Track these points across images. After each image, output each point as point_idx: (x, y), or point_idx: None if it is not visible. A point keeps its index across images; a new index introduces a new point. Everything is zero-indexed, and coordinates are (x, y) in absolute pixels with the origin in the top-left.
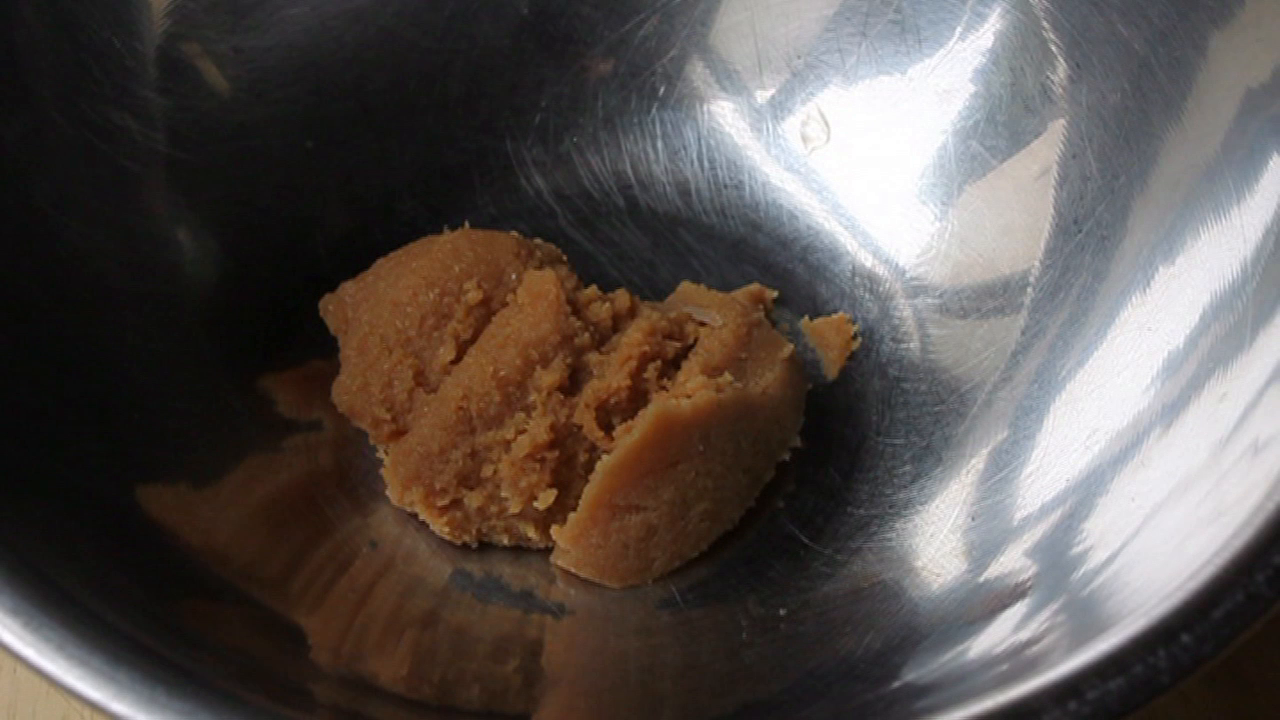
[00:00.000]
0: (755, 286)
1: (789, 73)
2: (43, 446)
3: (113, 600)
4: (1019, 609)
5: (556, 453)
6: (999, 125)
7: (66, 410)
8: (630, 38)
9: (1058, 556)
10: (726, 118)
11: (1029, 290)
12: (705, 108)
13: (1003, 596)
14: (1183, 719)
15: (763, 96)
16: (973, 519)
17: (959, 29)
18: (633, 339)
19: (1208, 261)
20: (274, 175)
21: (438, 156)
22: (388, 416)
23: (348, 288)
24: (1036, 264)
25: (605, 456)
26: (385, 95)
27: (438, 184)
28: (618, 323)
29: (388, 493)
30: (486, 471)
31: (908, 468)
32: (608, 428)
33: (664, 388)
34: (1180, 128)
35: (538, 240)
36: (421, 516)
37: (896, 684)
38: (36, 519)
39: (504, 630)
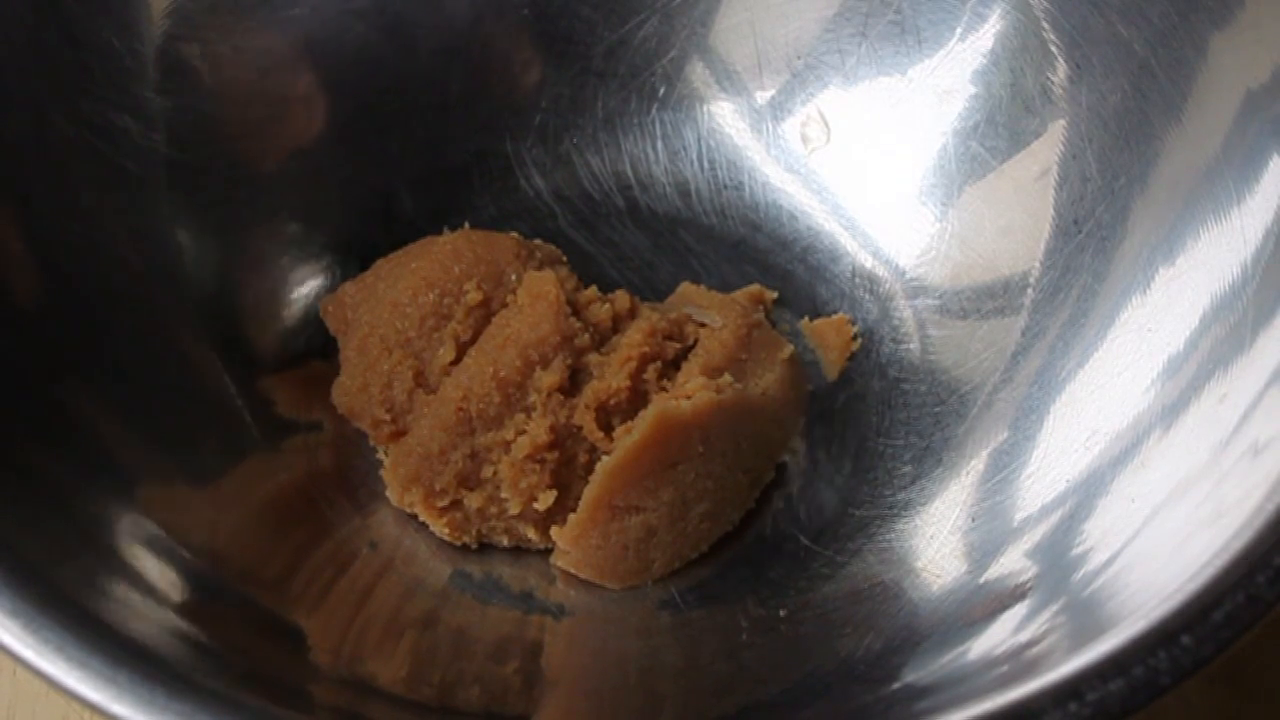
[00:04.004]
0: (755, 287)
1: (789, 73)
2: (42, 446)
3: (112, 601)
4: (1019, 610)
5: (556, 454)
6: (999, 126)
7: (66, 410)
8: (630, 38)
9: (1058, 558)
10: (726, 118)
11: (1029, 291)
12: (705, 108)
13: (1003, 598)
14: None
15: (763, 97)
16: (973, 520)
17: (959, 30)
18: (632, 340)
19: (1208, 262)
20: (273, 175)
21: (438, 156)
22: (387, 417)
23: (347, 288)
24: (1036, 265)
25: (605, 457)
26: (385, 95)
27: (438, 184)
28: (617, 324)
29: (387, 494)
30: (486, 472)
31: (908, 469)
32: (608, 429)
33: (664, 389)
34: (1180, 128)
35: (538, 241)
36: (421, 517)
37: (897, 685)
38: (36, 519)
39: (504, 631)
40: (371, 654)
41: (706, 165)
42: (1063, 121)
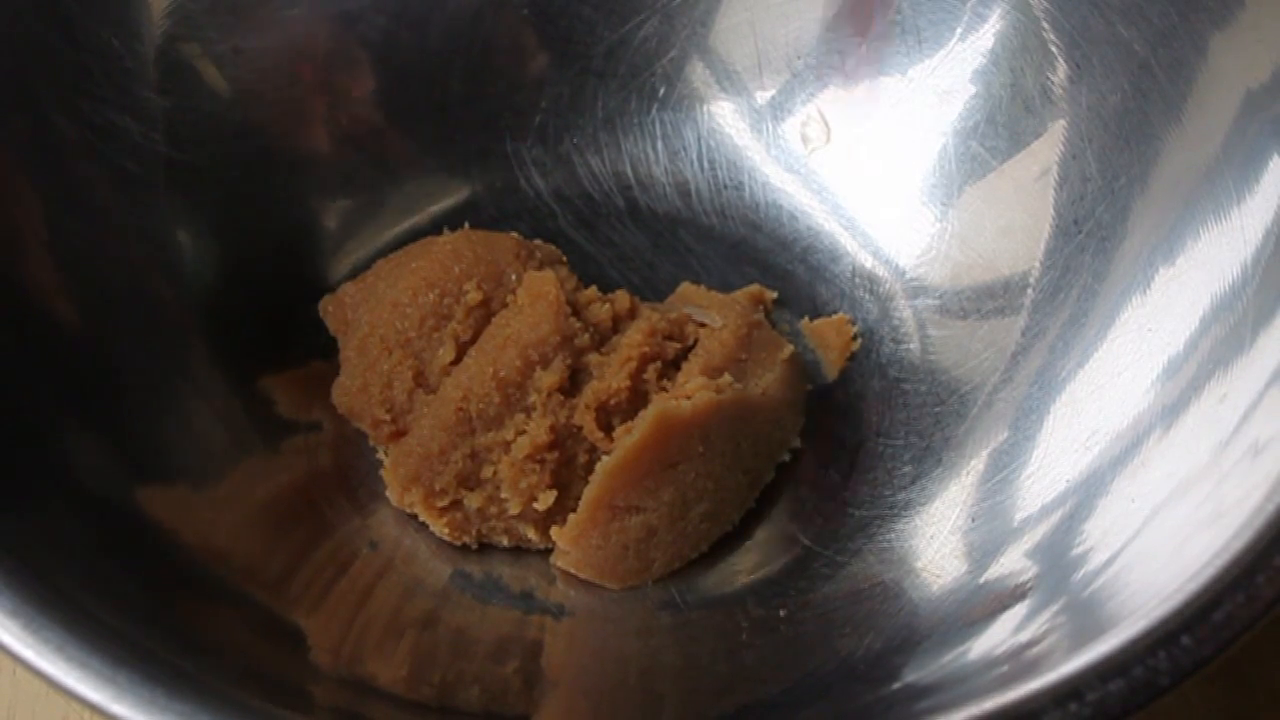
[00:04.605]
0: (755, 287)
1: (789, 73)
2: (43, 447)
3: (112, 601)
4: (1019, 610)
5: (556, 454)
6: (999, 126)
7: (66, 410)
8: (630, 38)
9: (1058, 558)
10: (726, 118)
11: (1029, 291)
12: (705, 108)
13: (1003, 598)
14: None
15: (763, 97)
16: (973, 520)
17: (959, 30)
18: (633, 340)
19: (1208, 262)
20: (274, 175)
21: (438, 156)
22: (387, 417)
23: (348, 288)
24: (1036, 265)
25: (605, 458)
26: (385, 95)
27: (437, 184)
28: (617, 324)
29: (387, 494)
30: (486, 472)
31: (908, 469)
32: (608, 429)
33: (664, 389)
34: (1180, 128)
35: (538, 241)
36: (421, 517)
37: (897, 685)
38: (36, 520)
39: (504, 631)
40: (371, 654)
41: (706, 165)
42: (1063, 121)
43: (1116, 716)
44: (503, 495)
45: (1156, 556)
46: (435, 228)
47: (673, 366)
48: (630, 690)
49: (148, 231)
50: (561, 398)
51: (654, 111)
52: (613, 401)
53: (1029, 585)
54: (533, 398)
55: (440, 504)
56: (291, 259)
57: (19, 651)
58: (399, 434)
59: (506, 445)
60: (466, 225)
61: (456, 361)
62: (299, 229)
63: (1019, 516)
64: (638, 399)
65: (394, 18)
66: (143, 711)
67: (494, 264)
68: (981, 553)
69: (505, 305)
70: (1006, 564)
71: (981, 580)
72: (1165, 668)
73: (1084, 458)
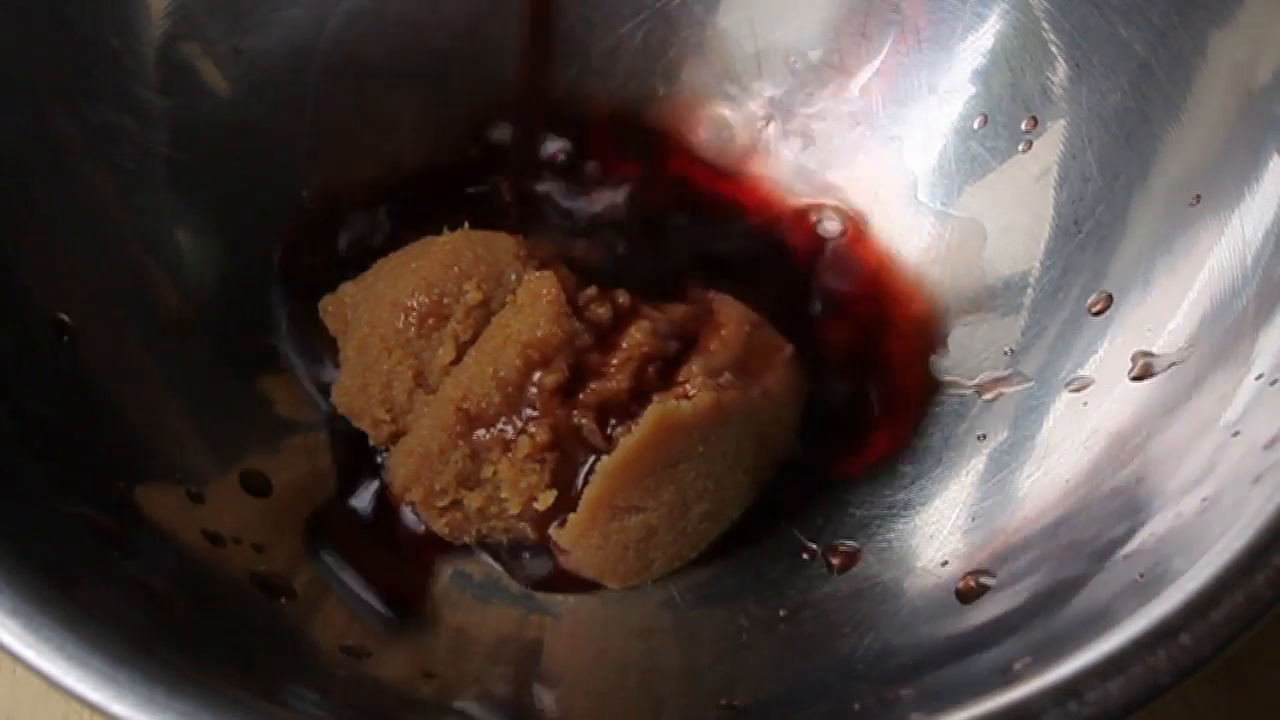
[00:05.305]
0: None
1: (789, 73)
2: (43, 447)
3: (112, 601)
4: (1018, 611)
5: (556, 454)
6: (999, 126)
7: (67, 410)
8: (630, 38)
9: (1057, 558)
10: (726, 118)
11: (1029, 291)
12: (705, 108)
13: (1003, 598)
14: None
15: (763, 97)
16: (972, 519)
17: (959, 29)
18: (633, 339)
19: (1208, 262)
20: (274, 175)
21: (437, 156)
22: (387, 417)
23: (348, 288)
24: (1036, 264)
25: (605, 458)
26: (383, 95)
27: (437, 183)
28: (617, 324)
29: (387, 493)
30: (486, 472)
31: (907, 468)
32: (607, 429)
33: (664, 388)
34: (1180, 128)
35: (538, 240)
36: (421, 517)
37: (897, 685)
38: (36, 520)
39: (504, 631)
40: (372, 653)
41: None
42: (1063, 121)
43: (1116, 716)
44: (503, 495)
45: (1156, 555)
46: (434, 227)
47: (673, 366)
48: (630, 690)
49: (148, 231)
50: (562, 397)
51: (654, 111)
52: (613, 401)
53: (1028, 585)
54: (533, 396)
55: (440, 504)
56: (291, 259)
57: (19, 651)
58: (399, 434)
59: (506, 445)
60: (466, 225)
61: (456, 361)
62: (299, 228)
63: (1019, 516)
64: (638, 399)
65: (393, 18)
66: (143, 710)
67: (494, 264)
68: (982, 553)
69: (505, 305)
70: (1007, 564)
71: (982, 580)
72: (1165, 667)
73: (1084, 457)
